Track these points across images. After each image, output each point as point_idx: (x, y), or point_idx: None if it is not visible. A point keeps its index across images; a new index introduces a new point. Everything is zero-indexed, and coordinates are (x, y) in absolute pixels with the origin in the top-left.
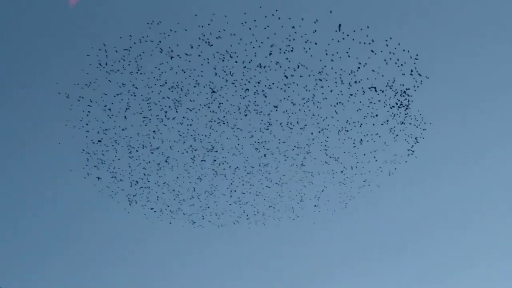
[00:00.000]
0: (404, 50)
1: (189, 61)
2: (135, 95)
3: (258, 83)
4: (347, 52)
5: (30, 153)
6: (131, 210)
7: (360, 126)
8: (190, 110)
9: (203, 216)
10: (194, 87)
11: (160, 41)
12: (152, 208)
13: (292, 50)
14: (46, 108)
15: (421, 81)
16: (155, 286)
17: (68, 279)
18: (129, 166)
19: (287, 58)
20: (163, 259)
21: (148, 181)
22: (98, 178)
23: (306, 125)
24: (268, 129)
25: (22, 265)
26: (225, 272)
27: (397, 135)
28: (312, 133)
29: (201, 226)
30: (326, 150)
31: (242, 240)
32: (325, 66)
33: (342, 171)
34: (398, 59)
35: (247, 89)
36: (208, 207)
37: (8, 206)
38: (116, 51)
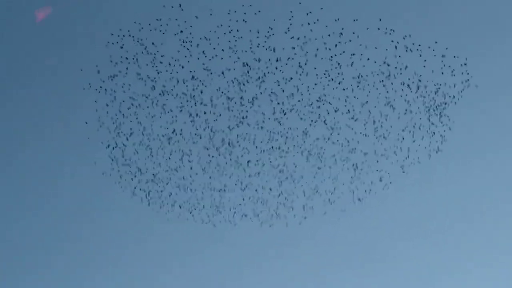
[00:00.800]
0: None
1: (214, 48)
2: (154, 88)
3: (285, 77)
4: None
5: (38, 150)
6: (141, 207)
7: (386, 120)
8: (205, 105)
9: (213, 212)
10: (219, 75)
11: (181, 31)
12: (163, 204)
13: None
14: (61, 102)
15: (468, 84)
16: (160, 286)
17: (69, 279)
18: (146, 159)
19: (329, 57)
20: (170, 258)
21: (167, 178)
22: (120, 175)
23: (320, 118)
24: (279, 121)
25: (22, 265)
26: (233, 270)
27: (422, 137)
28: (328, 126)
29: (211, 223)
30: (347, 144)
31: (250, 238)
32: (356, 66)
33: (354, 166)
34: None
35: (263, 81)
36: (218, 205)
37: (9, 206)
38: (133, 37)
